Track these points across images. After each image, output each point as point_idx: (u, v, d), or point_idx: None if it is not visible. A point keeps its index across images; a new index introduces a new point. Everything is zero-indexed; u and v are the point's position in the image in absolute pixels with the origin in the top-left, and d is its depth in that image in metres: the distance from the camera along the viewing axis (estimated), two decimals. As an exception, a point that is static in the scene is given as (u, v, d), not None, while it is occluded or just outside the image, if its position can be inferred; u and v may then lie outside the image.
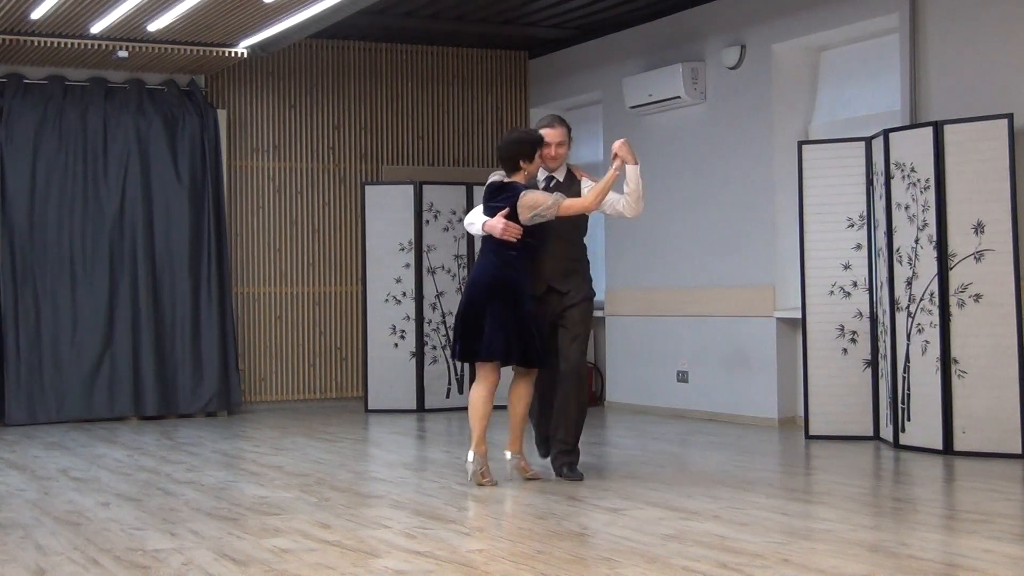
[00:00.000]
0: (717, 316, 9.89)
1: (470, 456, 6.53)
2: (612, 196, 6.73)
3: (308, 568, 4.68)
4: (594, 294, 6.98)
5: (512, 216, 6.58)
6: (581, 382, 6.78)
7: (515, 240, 6.56)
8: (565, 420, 6.75)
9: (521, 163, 6.67)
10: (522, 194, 6.60)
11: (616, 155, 6.67)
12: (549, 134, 6.78)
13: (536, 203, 6.55)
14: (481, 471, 6.51)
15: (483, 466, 6.52)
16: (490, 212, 6.69)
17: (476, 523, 5.54)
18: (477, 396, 6.64)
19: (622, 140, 6.72)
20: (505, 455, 6.75)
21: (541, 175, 6.85)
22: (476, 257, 6.88)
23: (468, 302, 6.64)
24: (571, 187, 6.80)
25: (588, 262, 6.99)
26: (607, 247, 11.18)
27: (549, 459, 6.92)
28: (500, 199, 6.66)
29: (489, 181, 6.81)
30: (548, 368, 6.74)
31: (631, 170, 6.66)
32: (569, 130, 6.89)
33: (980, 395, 7.47)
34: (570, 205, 6.61)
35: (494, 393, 6.68)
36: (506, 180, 6.73)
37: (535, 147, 6.70)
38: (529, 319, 6.56)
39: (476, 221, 6.78)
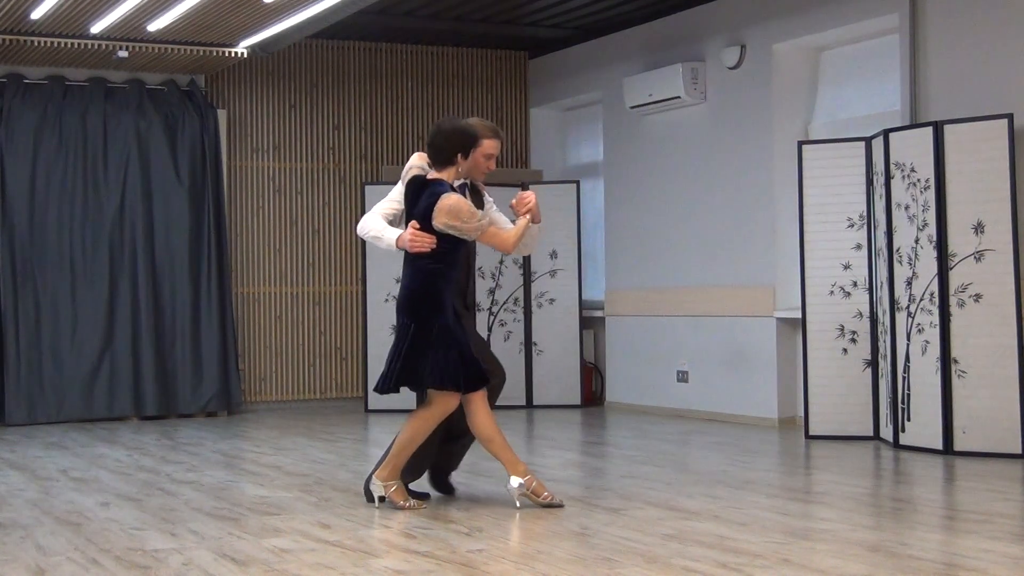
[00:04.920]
0: (717, 316, 9.89)
1: (516, 482, 5.80)
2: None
3: (308, 568, 4.68)
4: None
5: (427, 224, 5.70)
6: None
7: (426, 251, 5.69)
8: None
9: (459, 158, 5.78)
10: (444, 196, 5.68)
11: (528, 211, 5.85)
12: (493, 146, 5.92)
13: (460, 214, 5.65)
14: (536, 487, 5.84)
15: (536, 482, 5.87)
16: (412, 220, 5.82)
17: (476, 523, 5.54)
18: (487, 423, 5.83)
19: (533, 195, 5.91)
20: (372, 483, 5.97)
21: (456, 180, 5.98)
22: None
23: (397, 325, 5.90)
24: (475, 199, 5.99)
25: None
26: (607, 247, 11.17)
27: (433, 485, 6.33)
28: (424, 205, 5.73)
29: (410, 175, 5.88)
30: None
31: (535, 228, 5.96)
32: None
33: (980, 395, 7.47)
34: (495, 235, 5.82)
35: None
36: (430, 177, 5.82)
37: (475, 145, 5.82)
38: (446, 336, 5.70)
39: (384, 234, 5.84)
